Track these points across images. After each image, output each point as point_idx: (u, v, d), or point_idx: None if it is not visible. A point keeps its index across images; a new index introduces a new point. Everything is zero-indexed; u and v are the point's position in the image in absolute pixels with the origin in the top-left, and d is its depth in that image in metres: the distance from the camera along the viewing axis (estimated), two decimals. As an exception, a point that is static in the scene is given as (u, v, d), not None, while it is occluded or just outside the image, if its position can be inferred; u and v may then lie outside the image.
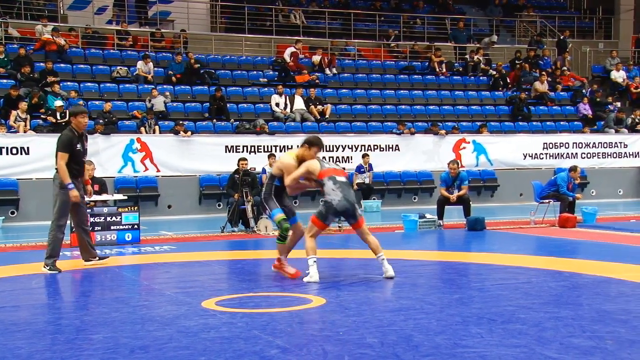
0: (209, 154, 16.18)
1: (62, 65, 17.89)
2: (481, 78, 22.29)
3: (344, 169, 7.00)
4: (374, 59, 22.32)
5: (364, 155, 16.98)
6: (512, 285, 6.75)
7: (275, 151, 16.48)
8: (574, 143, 19.63)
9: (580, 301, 6.01)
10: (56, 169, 8.11)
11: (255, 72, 20.04)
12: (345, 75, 21.07)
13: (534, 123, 20.68)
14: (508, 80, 22.08)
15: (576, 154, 19.53)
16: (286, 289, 6.65)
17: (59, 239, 8.09)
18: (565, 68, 23.46)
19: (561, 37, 24.65)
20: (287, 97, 18.46)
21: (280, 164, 7.33)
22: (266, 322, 5.31)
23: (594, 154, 19.72)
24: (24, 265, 8.48)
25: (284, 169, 7.18)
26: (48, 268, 7.89)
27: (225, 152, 16.28)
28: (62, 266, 8.21)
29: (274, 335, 4.89)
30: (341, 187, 6.92)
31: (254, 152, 16.42)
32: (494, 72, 22.14)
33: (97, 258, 8.44)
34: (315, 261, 6.90)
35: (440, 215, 12.39)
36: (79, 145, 8.13)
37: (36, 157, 14.79)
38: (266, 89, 19.20)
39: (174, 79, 18.38)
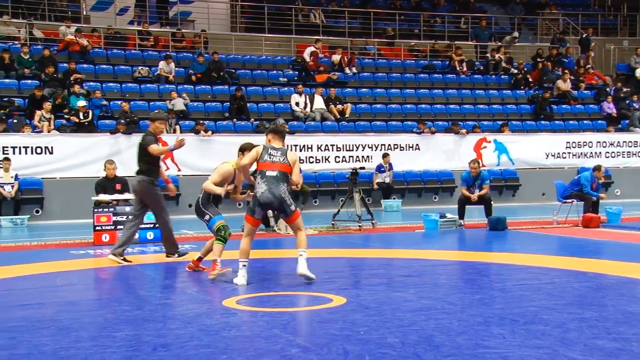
0: (229, 153, 16.09)
1: (84, 65, 18.07)
2: (502, 77, 22.13)
3: (288, 164, 6.81)
4: (394, 58, 22.26)
5: (384, 155, 16.95)
6: (535, 285, 6.69)
7: (295, 151, 16.50)
8: (597, 142, 19.43)
9: (605, 302, 5.94)
10: (141, 170, 8.56)
11: (275, 71, 20.08)
12: (365, 74, 21.04)
13: (557, 122, 20.49)
14: (530, 79, 21.89)
15: (600, 153, 19.33)
16: (307, 288, 6.66)
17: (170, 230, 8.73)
18: (589, 66, 23.21)
19: (584, 35, 24.40)
20: (307, 97, 18.47)
21: (220, 171, 7.54)
22: (287, 321, 5.32)
23: (618, 153, 19.50)
24: (49, 263, 8.57)
25: (225, 174, 7.49)
26: (177, 255, 8.68)
27: (246, 151, 16.29)
28: (85, 264, 8.28)
29: (295, 334, 4.89)
30: (267, 180, 6.78)
31: (274, 151, 16.40)
32: (516, 71, 21.97)
33: (177, 255, 8.74)
34: (244, 265, 6.87)
35: (461, 214, 12.32)
36: None
37: (60, 156, 14.96)
38: (286, 88, 19.23)
39: (194, 78, 18.47)
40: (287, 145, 7.54)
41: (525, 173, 18.49)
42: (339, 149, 17.22)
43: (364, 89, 20.31)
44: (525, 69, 22.14)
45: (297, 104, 18.31)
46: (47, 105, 15.48)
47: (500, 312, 5.51)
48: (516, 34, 24.11)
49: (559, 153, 19.07)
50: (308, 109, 18.31)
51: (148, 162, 8.51)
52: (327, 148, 17.16)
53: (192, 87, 18.33)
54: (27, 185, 14.44)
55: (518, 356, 4.29)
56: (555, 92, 21.50)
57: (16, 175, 14.14)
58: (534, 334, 4.81)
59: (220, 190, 7.41)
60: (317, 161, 17.09)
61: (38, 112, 15.34)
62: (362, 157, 17.37)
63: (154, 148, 8.38)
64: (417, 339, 4.75)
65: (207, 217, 7.42)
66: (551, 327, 5.01)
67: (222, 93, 18.43)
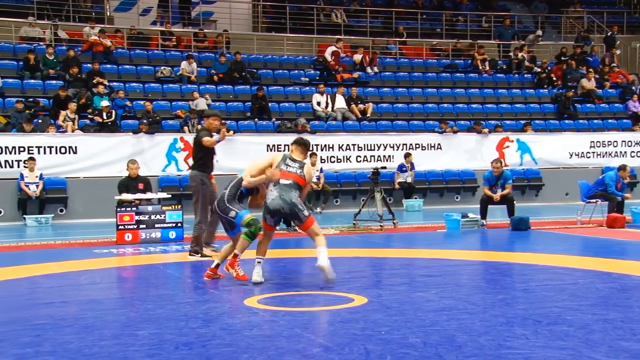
0: (250, 153, 16.26)
1: (108, 65, 18.23)
2: (525, 76, 21.95)
3: (303, 177, 6.80)
4: (415, 58, 22.18)
5: (406, 155, 16.90)
6: (558, 286, 6.62)
7: (317, 150, 16.52)
8: (622, 141, 19.20)
9: (630, 303, 5.87)
10: (194, 165, 8.88)
11: (296, 71, 20.10)
12: (387, 73, 20.99)
13: (581, 121, 20.26)
14: (554, 78, 21.68)
15: (625, 152, 19.09)
16: (328, 287, 6.65)
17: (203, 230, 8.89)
18: (614, 65, 22.93)
19: (609, 33, 24.10)
20: (329, 96, 18.47)
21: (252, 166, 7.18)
22: (308, 320, 5.32)
23: (644, 153, 19.26)
24: (73, 261, 8.66)
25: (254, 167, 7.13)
26: (198, 255, 8.76)
27: (267, 151, 16.36)
28: (108, 263, 8.36)
29: (316, 334, 4.90)
30: (280, 187, 6.75)
31: (296, 151, 16.42)
32: (539, 70, 21.77)
33: (200, 255, 8.81)
34: (260, 262, 6.87)
35: (484, 214, 12.25)
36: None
37: (84, 156, 15.12)
38: (307, 88, 19.25)
39: (216, 78, 18.56)
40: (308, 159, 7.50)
41: (548, 173, 18.32)
42: (360, 149, 17.20)
43: (385, 89, 20.25)
44: (549, 68, 21.93)
45: (318, 103, 18.31)
46: (72, 105, 15.65)
47: (523, 312, 5.47)
48: (539, 32, 23.89)
49: (583, 152, 18.87)
50: (329, 109, 18.31)
51: (201, 157, 8.75)
52: (348, 148, 17.15)
53: (214, 87, 18.42)
54: (51, 185, 14.61)
55: (541, 357, 4.26)
56: (579, 91, 21.28)
57: (41, 175, 14.31)
58: (557, 335, 4.76)
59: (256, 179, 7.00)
60: (339, 161, 17.09)
61: (63, 112, 15.51)
62: (384, 156, 17.33)
63: (206, 139, 8.55)
64: (439, 339, 4.72)
65: (232, 213, 7.10)
66: (575, 328, 4.96)
67: (244, 93, 18.49)
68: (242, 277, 7.00)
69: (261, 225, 6.97)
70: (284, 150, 16.22)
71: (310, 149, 7.24)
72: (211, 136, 8.70)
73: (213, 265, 7.30)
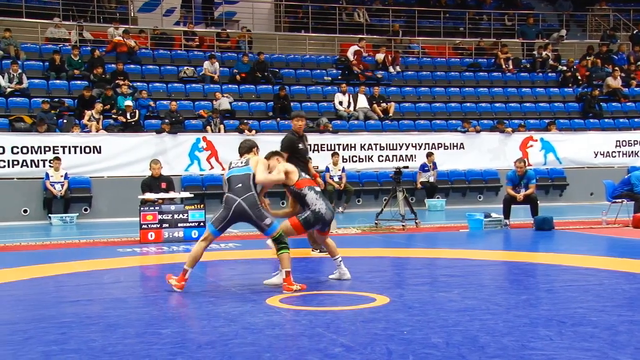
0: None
1: (131, 66, 18.39)
2: (550, 74, 21.74)
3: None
4: (438, 57, 22.07)
5: (428, 154, 16.83)
6: (583, 287, 6.55)
7: (339, 150, 16.51)
8: (649, 140, 18.94)
9: (656, 305, 5.79)
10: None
11: (318, 70, 20.11)
12: (409, 73, 20.91)
13: (606, 120, 20.02)
14: (579, 77, 21.44)
15: (652, 152, 18.83)
16: (350, 287, 6.65)
17: None
18: (640, 63, 22.64)
19: (635, 31, 23.78)
20: (351, 96, 18.45)
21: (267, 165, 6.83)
22: (330, 320, 5.32)
23: (670, 152, 18.97)
24: (97, 260, 8.75)
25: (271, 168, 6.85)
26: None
27: (289, 150, 16.36)
28: (132, 262, 8.42)
29: (338, 334, 4.89)
30: (322, 196, 6.85)
31: (317, 150, 16.47)
32: (565, 68, 21.54)
33: (319, 250, 8.82)
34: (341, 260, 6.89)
35: (507, 214, 12.15)
36: (300, 145, 8.90)
37: (108, 155, 15.26)
38: (329, 87, 19.24)
39: (238, 77, 18.63)
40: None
41: (573, 172, 18.13)
42: (382, 148, 17.16)
43: (407, 88, 20.18)
44: (574, 67, 21.70)
45: (340, 103, 18.31)
46: (99, 105, 15.81)
47: (547, 313, 5.42)
48: (563, 32, 23.64)
49: (608, 152, 18.65)
50: (351, 108, 18.29)
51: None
52: (370, 147, 17.11)
53: (236, 86, 18.49)
54: (76, 184, 14.77)
55: (565, 358, 4.21)
56: (604, 90, 21.02)
57: (66, 174, 14.48)
58: (582, 336, 4.71)
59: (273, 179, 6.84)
60: (361, 160, 17.06)
61: (87, 112, 15.67)
62: (406, 156, 17.27)
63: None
64: (462, 339, 4.70)
65: (268, 220, 6.49)
66: (600, 329, 4.90)
67: (266, 92, 18.55)
68: (302, 287, 6.52)
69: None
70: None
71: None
72: (298, 138, 8.97)
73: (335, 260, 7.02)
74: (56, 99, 16.49)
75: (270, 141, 16.53)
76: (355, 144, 17.06)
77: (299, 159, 8.70)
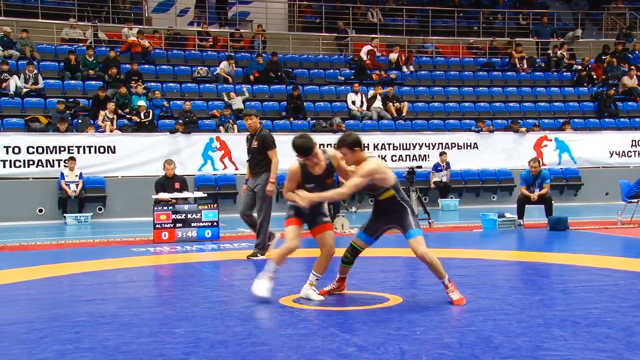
0: (286, 153, 16.19)
1: (146, 66, 18.48)
2: (564, 74, 21.60)
3: None
4: (452, 56, 21.99)
5: (442, 154, 16.78)
6: (598, 287, 6.50)
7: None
8: (665, 140, 18.77)
9: (672, 305, 5.73)
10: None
11: (332, 70, 20.10)
12: (423, 72, 20.86)
13: (622, 119, 19.86)
14: (594, 76, 21.29)
15: (668, 151, 18.66)
16: (363, 287, 6.64)
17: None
18: (656, 62, 22.44)
19: (651, 30, 23.60)
20: (364, 95, 18.44)
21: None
22: (343, 319, 5.32)
23: (687, 152, 18.80)
24: (111, 260, 8.80)
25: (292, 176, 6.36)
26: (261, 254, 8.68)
27: (302, 150, 16.36)
28: (145, 261, 8.46)
29: (351, 333, 4.89)
30: None
31: (331, 150, 16.44)
32: (580, 67, 21.40)
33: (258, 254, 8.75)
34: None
35: (521, 214, 12.09)
36: (248, 145, 8.98)
37: (122, 155, 15.33)
38: (343, 87, 19.23)
39: (251, 77, 18.67)
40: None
41: (587, 172, 18.00)
42: (395, 148, 17.12)
43: (421, 87, 20.13)
44: (590, 66, 21.54)
45: (353, 102, 18.29)
46: (112, 105, 15.90)
47: (561, 313, 5.38)
48: (579, 32, 23.47)
49: (624, 151, 18.50)
50: (365, 108, 18.27)
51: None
52: (383, 147, 17.08)
53: (249, 86, 18.52)
54: (90, 184, 14.86)
55: (580, 359, 4.18)
56: (620, 89, 20.85)
57: (80, 174, 14.57)
58: (597, 337, 4.68)
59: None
60: (374, 160, 17.01)
61: (102, 112, 15.76)
62: (419, 156, 17.22)
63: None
64: (475, 339, 4.68)
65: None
66: (615, 330, 4.87)
67: (279, 92, 18.57)
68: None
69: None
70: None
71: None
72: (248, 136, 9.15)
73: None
74: (71, 99, 16.60)
75: (284, 141, 16.54)
76: (368, 144, 16.82)
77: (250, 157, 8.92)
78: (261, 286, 5.99)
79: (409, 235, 5.80)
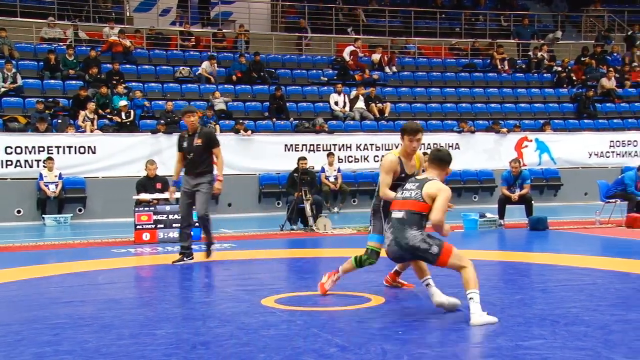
0: (268, 153, 16.33)
1: (127, 66, 18.36)
2: (545, 75, 21.79)
3: (421, 200, 5.33)
4: (434, 57, 22.10)
5: (424, 154, 16.81)
6: (577, 286, 6.57)
7: (334, 150, 16.51)
8: (642, 141, 19.00)
9: (649, 304, 5.81)
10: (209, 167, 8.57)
11: (314, 71, 20.12)
12: (405, 73, 20.93)
13: (600, 121, 20.07)
14: (573, 77, 21.50)
15: (645, 152, 18.89)
16: (345, 287, 6.65)
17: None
18: (634, 64, 22.70)
19: (630, 32, 23.86)
20: (346, 96, 18.47)
21: (384, 166, 6.05)
22: (325, 320, 5.33)
23: (664, 152, 19.04)
24: (91, 261, 8.74)
25: (390, 168, 5.95)
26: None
27: (285, 150, 16.39)
28: (126, 262, 8.41)
29: (333, 334, 4.89)
30: (393, 226, 5.42)
31: (313, 150, 16.48)
32: (560, 69, 21.60)
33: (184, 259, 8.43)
34: (427, 283, 5.65)
35: (501, 214, 12.18)
36: (184, 144, 8.47)
37: (102, 155, 15.22)
38: (325, 88, 19.25)
39: (234, 77, 18.62)
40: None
41: (567, 172, 18.17)
42: (378, 149, 17.17)
43: (403, 88, 20.20)
44: (570, 67, 21.75)
45: (336, 103, 18.31)
46: (92, 105, 15.78)
47: (541, 312, 5.43)
48: (559, 34, 23.69)
49: (602, 152, 18.70)
50: (347, 109, 18.30)
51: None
52: (366, 147, 17.13)
53: (232, 87, 18.48)
54: (70, 185, 14.73)
55: (559, 358, 4.23)
56: (599, 91, 21.08)
57: (60, 175, 14.44)
58: (575, 336, 4.73)
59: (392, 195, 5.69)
60: (356, 160, 17.07)
61: (82, 112, 15.64)
62: (402, 156, 17.25)
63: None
64: (456, 339, 4.71)
65: (369, 228, 6.09)
66: (593, 328, 4.92)
67: (262, 93, 18.54)
68: (323, 289, 6.23)
69: (373, 260, 6.01)
70: (301, 151, 16.25)
71: (449, 163, 5.65)
72: (186, 134, 8.65)
73: (392, 271, 6.53)
74: (51, 99, 16.44)
75: (266, 141, 16.61)
76: (351, 144, 17.07)
77: (183, 157, 8.50)
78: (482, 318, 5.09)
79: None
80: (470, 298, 5.10)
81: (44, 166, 14.45)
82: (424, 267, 5.70)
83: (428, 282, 5.66)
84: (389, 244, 5.47)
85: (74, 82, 17.24)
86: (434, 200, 5.27)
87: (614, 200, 12.78)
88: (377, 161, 17.12)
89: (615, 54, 23.25)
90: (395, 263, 5.82)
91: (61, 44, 18.65)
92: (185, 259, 8.46)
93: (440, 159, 5.55)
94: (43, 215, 14.06)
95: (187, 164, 8.49)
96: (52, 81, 17.19)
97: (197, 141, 8.36)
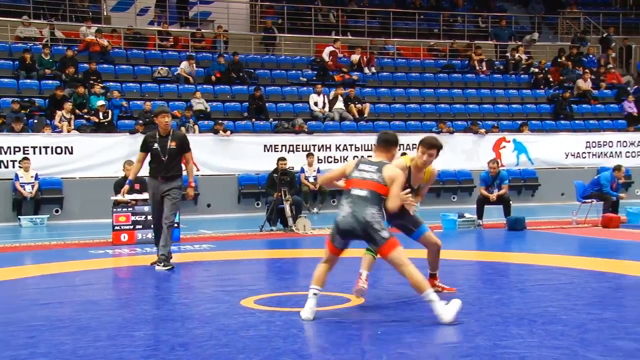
0: (248, 153, 16.29)
1: (105, 65, 18.21)
2: (522, 76, 21.99)
3: (382, 182, 5.37)
4: (413, 58, 22.20)
5: (402, 154, 16.86)
6: (554, 286, 6.64)
7: (314, 150, 16.51)
8: (618, 142, 19.23)
9: (624, 303, 5.89)
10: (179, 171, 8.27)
11: (294, 71, 20.11)
12: (384, 74, 21.00)
13: (577, 122, 20.31)
14: (550, 79, 21.72)
15: (620, 152, 19.13)
16: (325, 288, 6.64)
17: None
18: (609, 65, 22.99)
19: (605, 34, 24.15)
20: (326, 97, 18.48)
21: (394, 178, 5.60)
22: (305, 321, 5.32)
23: (638, 153, 19.29)
24: (68, 262, 8.65)
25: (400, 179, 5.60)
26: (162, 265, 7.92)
27: (264, 151, 16.37)
28: (104, 264, 8.34)
29: (313, 334, 4.90)
30: (353, 201, 5.37)
31: (293, 151, 16.47)
32: (537, 70, 21.81)
33: (163, 265, 7.94)
34: (315, 293, 5.39)
35: (480, 214, 12.27)
36: (155, 145, 8.06)
37: (79, 156, 15.08)
38: (305, 88, 19.25)
39: (213, 78, 18.55)
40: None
41: (544, 173, 18.35)
42: (357, 149, 17.19)
43: (382, 89, 20.27)
44: (547, 69, 21.97)
45: (315, 103, 18.32)
46: (68, 105, 15.62)
47: (518, 312, 5.48)
48: (536, 35, 23.91)
49: (578, 153, 18.91)
50: (327, 109, 18.31)
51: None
52: (345, 148, 17.15)
53: (211, 87, 18.41)
54: (47, 185, 14.57)
55: (536, 356, 4.26)
56: (575, 92, 21.31)
57: (36, 175, 14.28)
58: (552, 335, 4.77)
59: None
60: (336, 161, 17.07)
61: (59, 112, 15.48)
62: (381, 156, 17.30)
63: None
64: (435, 338, 4.73)
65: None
66: (570, 327, 4.97)
67: (241, 93, 18.49)
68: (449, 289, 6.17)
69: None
70: (280, 151, 16.25)
71: (395, 144, 5.70)
72: (159, 137, 8.14)
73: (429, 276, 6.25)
74: (26, 99, 16.26)
75: (245, 142, 16.56)
76: (330, 145, 17.08)
77: (153, 159, 8.09)
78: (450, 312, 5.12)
79: (424, 229, 6.20)
80: (430, 300, 5.14)
81: (19, 167, 14.27)
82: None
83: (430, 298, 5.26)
84: (344, 215, 5.40)
85: (50, 81, 17.05)
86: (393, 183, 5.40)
87: (590, 200, 12.93)
88: (357, 162, 17.14)
89: (590, 56, 23.53)
90: (335, 241, 5.54)
91: (37, 43, 18.44)
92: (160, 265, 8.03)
93: (386, 140, 5.68)
94: (19, 217, 13.89)
95: (157, 167, 8.10)
96: (28, 81, 16.99)
97: (172, 144, 8.05)
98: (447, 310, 5.07)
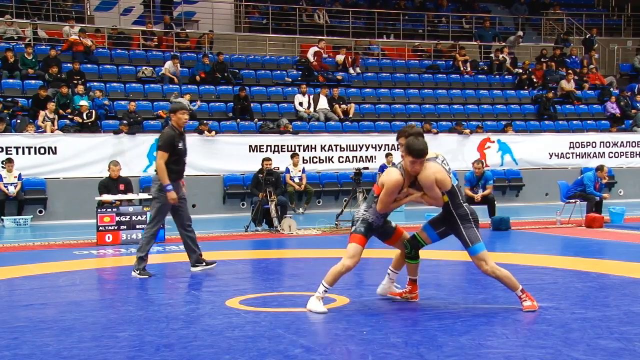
0: (232, 154, 16.26)
1: (88, 65, 18.09)
2: (506, 77, 22.12)
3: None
4: (397, 58, 22.26)
5: (387, 155, 16.94)
6: (538, 285, 6.68)
7: (299, 151, 16.51)
8: (601, 142, 19.39)
9: (608, 302, 5.94)
10: (155, 170, 7.58)
11: (279, 71, 20.08)
12: (369, 74, 21.04)
13: (560, 122, 20.46)
14: (534, 79, 21.87)
15: (603, 153, 19.29)
16: (310, 288, 6.65)
17: (150, 245, 7.79)
18: (592, 66, 23.19)
19: (588, 35, 24.36)
20: (311, 97, 18.48)
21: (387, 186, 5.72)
22: (290, 321, 5.32)
23: (621, 153, 19.47)
24: (52, 263, 8.59)
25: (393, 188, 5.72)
26: (138, 273, 7.51)
27: (249, 151, 16.34)
28: (88, 264, 8.28)
29: (298, 335, 4.89)
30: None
31: (278, 151, 16.46)
32: (520, 71, 21.95)
33: (205, 263, 7.84)
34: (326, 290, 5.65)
35: (465, 215, 12.30)
36: (180, 144, 7.58)
37: (63, 156, 14.98)
38: (290, 88, 19.24)
39: (198, 78, 18.49)
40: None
41: (528, 173, 18.47)
42: (342, 149, 17.22)
43: (367, 89, 20.31)
44: (530, 69, 22.11)
45: (300, 104, 18.31)
46: (51, 105, 15.50)
47: (503, 312, 5.50)
48: (521, 33, 24.07)
49: (562, 153, 19.04)
50: (312, 109, 18.32)
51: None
52: (330, 148, 17.16)
53: (195, 87, 18.34)
54: (30, 186, 14.46)
55: (521, 356, 4.29)
56: (558, 92, 21.48)
57: (19, 175, 14.16)
58: (537, 334, 4.80)
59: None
60: (321, 161, 17.09)
61: (42, 112, 15.36)
62: (366, 157, 17.35)
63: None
64: (420, 338, 4.74)
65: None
66: (554, 327, 5.01)
67: (226, 93, 18.44)
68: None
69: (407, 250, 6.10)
70: (265, 151, 16.26)
71: (414, 154, 5.58)
72: (178, 135, 7.60)
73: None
74: (9, 99, 16.12)
75: (230, 142, 16.52)
76: (315, 145, 17.08)
77: (176, 159, 7.53)
78: (317, 307, 5.55)
79: (470, 252, 5.80)
80: (324, 289, 5.63)
81: (2, 167, 14.14)
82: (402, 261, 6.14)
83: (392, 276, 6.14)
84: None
85: (33, 81, 16.92)
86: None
87: (574, 200, 13.03)
88: (342, 162, 17.18)
89: (573, 57, 23.72)
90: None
91: (20, 42, 18.28)
92: (203, 264, 7.86)
93: (407, 146, 5.65)
94: (2, 217, 13.76)
95: (181, 168, 7.62)
96: (11, 80, 16.84)
97: (182, 144, 7.62)
98: (316, 304, 5.56)
